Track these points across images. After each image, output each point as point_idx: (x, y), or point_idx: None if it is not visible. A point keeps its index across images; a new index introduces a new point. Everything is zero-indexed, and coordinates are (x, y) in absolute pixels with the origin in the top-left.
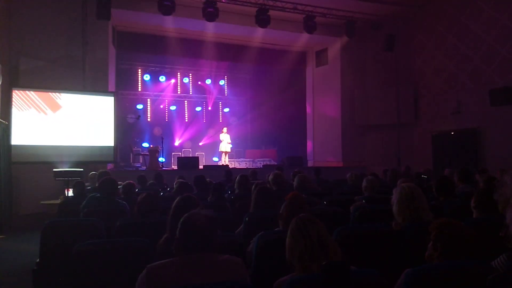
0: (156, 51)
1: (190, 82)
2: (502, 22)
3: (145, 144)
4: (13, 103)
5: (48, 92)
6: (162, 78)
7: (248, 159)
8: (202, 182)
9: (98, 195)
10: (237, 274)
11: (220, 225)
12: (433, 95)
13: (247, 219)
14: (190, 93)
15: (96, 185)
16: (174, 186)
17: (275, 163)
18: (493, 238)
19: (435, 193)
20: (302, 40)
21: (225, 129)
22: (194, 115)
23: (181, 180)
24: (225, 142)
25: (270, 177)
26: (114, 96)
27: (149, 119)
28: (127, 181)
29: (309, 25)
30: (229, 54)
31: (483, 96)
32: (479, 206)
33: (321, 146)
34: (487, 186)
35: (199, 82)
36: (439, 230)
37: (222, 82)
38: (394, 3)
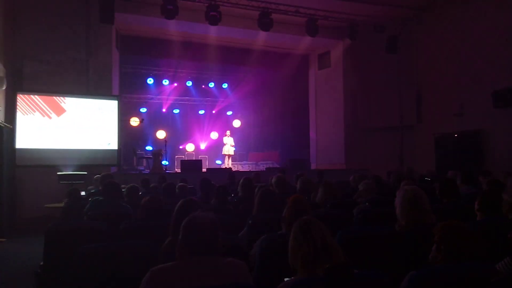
0: (159, 55)
1: (193, 86)
2: (506, 24)
3: (149, 147)
4: (17, 107)
5: (52, 96)
6: (165, 82)
7: (251, 162)
8: (207, 186)
9: (101, 198)
10: (240, 277)
11: (223, 228)
12: (436, 97)
13: (250, 222)
14: (193, 96)
15: (100, 188)
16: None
17: (278, 166)
18: (497, 240)
19: (438, 195)
20: (304, 43)
21: (228, 132)
22: (197, 118)
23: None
24: (229, 145)
25: (273, 179)
26: (118, 99)
27: (152, 123)
28: (130, 184)
29: (312, 28)
30: (232, 58)
31: (486, 97)
32: (483, 209)
33: (324, 149)
34: (490, 188)
35: (203, 86)
36: (443, 232)
37: (225, 85)
38: (397, 5)
